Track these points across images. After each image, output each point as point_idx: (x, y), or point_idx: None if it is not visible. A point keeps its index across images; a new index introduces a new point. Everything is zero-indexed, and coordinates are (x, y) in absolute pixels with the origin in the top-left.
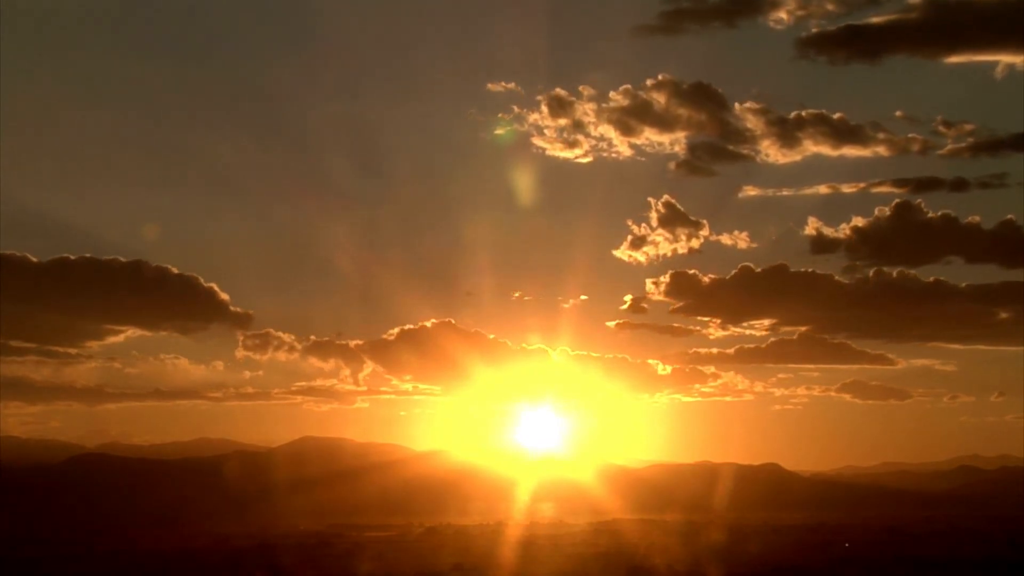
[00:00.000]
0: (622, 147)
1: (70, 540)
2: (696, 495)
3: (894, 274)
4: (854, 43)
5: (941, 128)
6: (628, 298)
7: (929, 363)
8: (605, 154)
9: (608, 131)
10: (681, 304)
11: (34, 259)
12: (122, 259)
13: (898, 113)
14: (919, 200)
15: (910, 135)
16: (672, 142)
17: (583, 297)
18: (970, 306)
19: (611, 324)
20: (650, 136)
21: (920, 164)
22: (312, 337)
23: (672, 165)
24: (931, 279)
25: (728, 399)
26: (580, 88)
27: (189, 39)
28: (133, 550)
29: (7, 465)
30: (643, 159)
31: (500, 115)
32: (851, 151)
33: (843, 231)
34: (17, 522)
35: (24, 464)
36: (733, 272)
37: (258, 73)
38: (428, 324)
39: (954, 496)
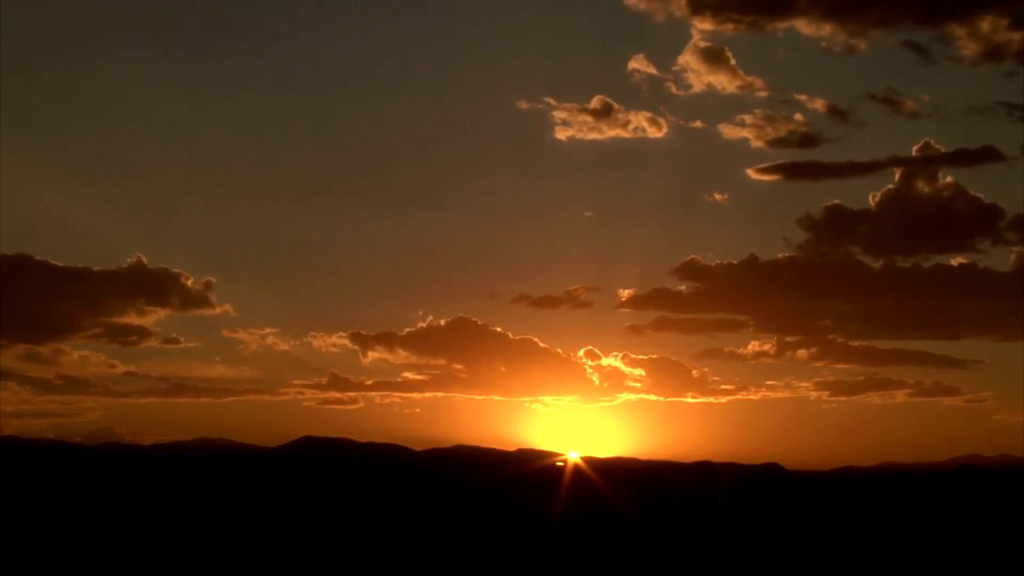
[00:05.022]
0: (656, 126)
1: None
2: (696, 494)
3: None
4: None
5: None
6: (641, 292)
7: (966, 358)
8: (630, 136)
9: (640, 111)
10: (692, 293)
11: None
12: (118, 256)
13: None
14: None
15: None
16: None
17: (592, 290)
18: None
19: (625, 320)
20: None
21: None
22: (316, 334)
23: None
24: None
25: (729, 399)
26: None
27: (191, 34)
28: None
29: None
30: (667, 140)
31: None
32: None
33: (872, 209)
34: None
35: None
36: (743, 260)
37: (263, 68)
38: (442, 322)
39: (954, 496)
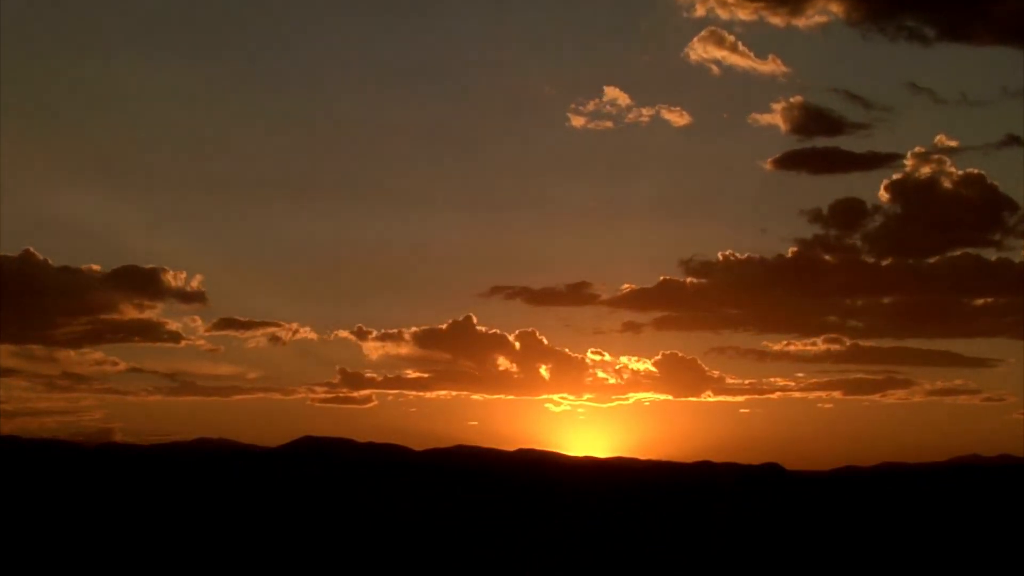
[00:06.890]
0: (674, 115)
1: None
2: (696, 494)
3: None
4: None
5: None
6: (646, 286)
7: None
8: (643, 126)
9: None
10: (697, 289)
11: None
12: (121, 255)
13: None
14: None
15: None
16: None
17: (594, 285)
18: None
19: (626, 316)
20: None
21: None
22: (318, 332)
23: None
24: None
25: (746, 398)
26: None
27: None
28: None
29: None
30: (680, 130)
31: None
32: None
33: (884, 202)
34: None
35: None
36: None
37: (263, 65)
38: (447, 319)
39: (954, 496)
